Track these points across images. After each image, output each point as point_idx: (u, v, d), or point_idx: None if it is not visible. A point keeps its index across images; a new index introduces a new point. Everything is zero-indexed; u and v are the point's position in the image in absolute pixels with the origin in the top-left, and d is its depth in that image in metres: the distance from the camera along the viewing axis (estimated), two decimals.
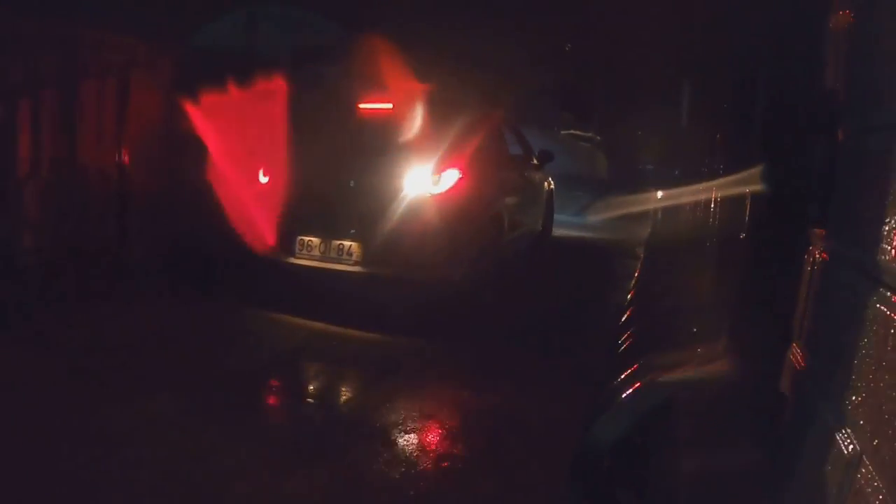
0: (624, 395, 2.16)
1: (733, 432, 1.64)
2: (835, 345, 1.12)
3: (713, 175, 4.35)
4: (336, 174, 4.73)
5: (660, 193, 10.49)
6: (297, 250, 4.76)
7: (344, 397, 3.56)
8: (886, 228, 0.96)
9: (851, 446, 0.97)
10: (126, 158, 6.23)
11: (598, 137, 15.03)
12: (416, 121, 4.71)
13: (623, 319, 3.94)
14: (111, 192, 5.83)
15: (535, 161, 7.00)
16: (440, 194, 4.49)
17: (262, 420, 3.25)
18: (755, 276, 1.67)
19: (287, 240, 4.81)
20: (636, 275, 5.92)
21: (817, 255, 1.35)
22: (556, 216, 8.12)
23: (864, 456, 0.92)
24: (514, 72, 11.90)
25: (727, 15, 3.07)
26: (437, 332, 4.34)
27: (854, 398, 1.01)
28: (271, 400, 3.61)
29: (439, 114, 4.80)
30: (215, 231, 5.12)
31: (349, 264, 4.55)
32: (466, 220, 4.61)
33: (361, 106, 5.17)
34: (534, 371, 3.81)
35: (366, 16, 9.08)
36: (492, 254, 5.07)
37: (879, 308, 0.97)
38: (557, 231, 8.30)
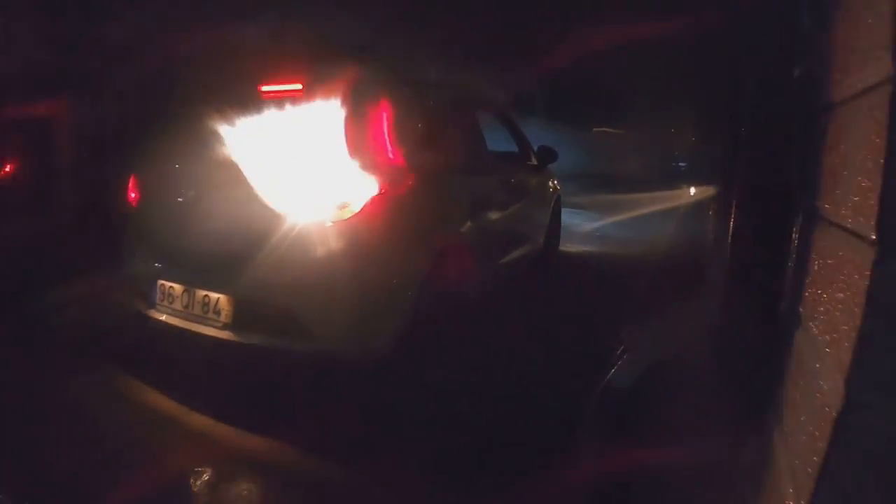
0: (627, 355, 2.70)
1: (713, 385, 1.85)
2: (814, 292, 1.14)
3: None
4: (209, 189, 3.06)
5: (692, 190, 10.88)
6: (157, 299, 3.12)
7: None
8: (842, 186, 1.05)
9: (832, 380, 0.92)
10: None
11: (631, 135, 14.01)
12: (328, 111, 2.97)
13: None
14: None
15: (533, 161, 5.19)
16: (345, 221, 2.76)
17: None
18: (748, 239, 1.77)
19: (146, 283, 3.19)
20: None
21: (799, 218, 1.45)
22: (580, 217, 6.74)
23: (845, 385, 0.87)
24: (545, 69, 11.03)
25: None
26: (334, 448, 2.60)
27: (832, 334, 0.97)
28: None
29: (363, 101, 3.03)
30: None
31: (216, 327, 2.88)
32: (392, 259, 2.87)
33: (264, 89, 3.43)
34: None
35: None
36: (447, 303, 3.32)
37: (842, 252, 1.00)
38: (573, 241, 6.47)
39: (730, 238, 1.99)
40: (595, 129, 14.15)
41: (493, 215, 4.05)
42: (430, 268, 3.02)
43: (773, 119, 1.64)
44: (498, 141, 4.87)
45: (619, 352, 3.26)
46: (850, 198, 0.90)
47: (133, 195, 3.42)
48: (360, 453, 2.46)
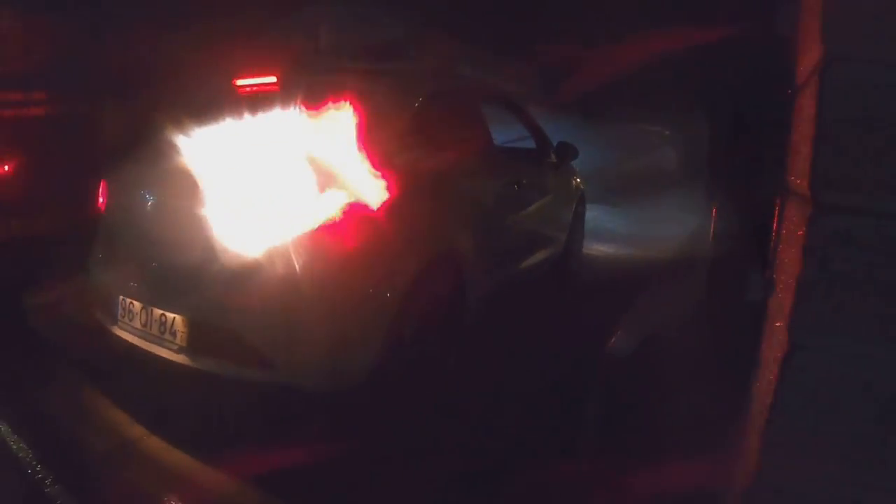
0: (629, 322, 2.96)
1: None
2: (781, 258, 1.23)
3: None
4: (169, 198, 2.75)
5: None
6: (119, 315, 2.83)
7: None
8: (798, 159, 1.19)
9: (784, 330, 1.08)
10: None
11: (668, 132, 13.38)
12: (293, 112, 2.59)
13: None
14: None
15: (552, 158, 4.72)
16: (308, 236, 2.40)
17: None
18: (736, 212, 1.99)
19: (109, 298, 2.89)
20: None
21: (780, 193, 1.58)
22: (612, 215, 6.77)
23: (794, 342, 1.03)
24: (580, 65, 10.68)
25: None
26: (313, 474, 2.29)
27: (786, 290, 1.10)
28: None
29: (331, 97, 2.66)
30: None
31: (172, 349, 2.60)
32: (365, 278, 2.50)
33: (239, 83, 3.09)
34: None
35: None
36: (436, 327, 2.92)
37: (796, 215, 1.13)
38: (601, 241, 5.95)
39: (712, 223, 2.17)
40: (631, 127, 13.53)
41: (502, 219, 3.76)
42: (413, 286, 2.64)
43: (755, 110, 1.80)
44: (511, 136, 4.43)
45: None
46: (801, 167, 1.01)
47: (101, 200, 3.12)
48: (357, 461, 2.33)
